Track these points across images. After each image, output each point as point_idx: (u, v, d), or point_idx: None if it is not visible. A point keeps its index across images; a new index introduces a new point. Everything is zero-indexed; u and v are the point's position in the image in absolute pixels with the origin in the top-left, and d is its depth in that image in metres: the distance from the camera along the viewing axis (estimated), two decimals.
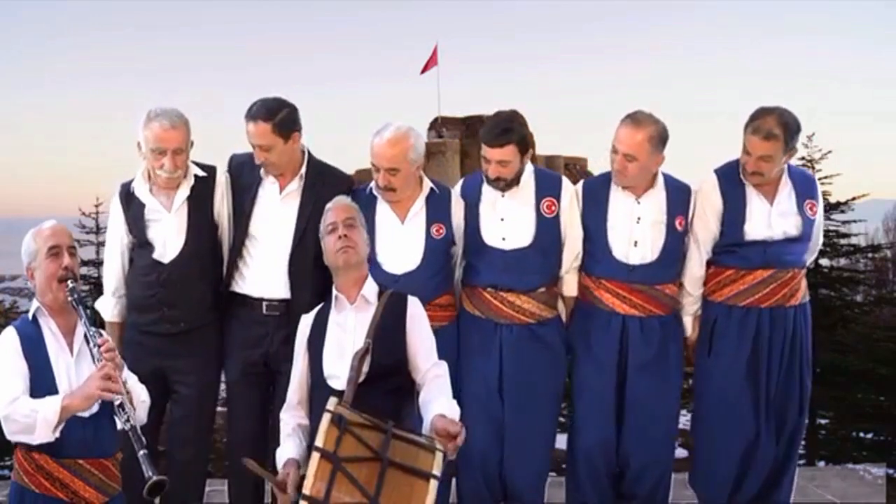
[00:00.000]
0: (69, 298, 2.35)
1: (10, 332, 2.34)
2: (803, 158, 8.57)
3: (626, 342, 3.17)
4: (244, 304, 3.11)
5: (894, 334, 8.30)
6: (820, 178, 8.54)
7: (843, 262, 9.60)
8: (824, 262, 8.69)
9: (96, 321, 2.95)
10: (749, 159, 3.11)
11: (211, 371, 3.14)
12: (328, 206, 2.63)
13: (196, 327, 3.08)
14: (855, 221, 8.68)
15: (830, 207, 8.58)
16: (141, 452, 2.14)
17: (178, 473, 3.03)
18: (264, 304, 3.06)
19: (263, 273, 3.07)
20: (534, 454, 3.19)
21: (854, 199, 8.59)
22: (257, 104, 3.00)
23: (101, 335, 2.35)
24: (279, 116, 2.98)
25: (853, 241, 9.05)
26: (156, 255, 3.04)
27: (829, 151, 8.51)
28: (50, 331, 2.36)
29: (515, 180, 3.12)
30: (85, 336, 2.34)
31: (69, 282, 2.35)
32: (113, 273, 3.15)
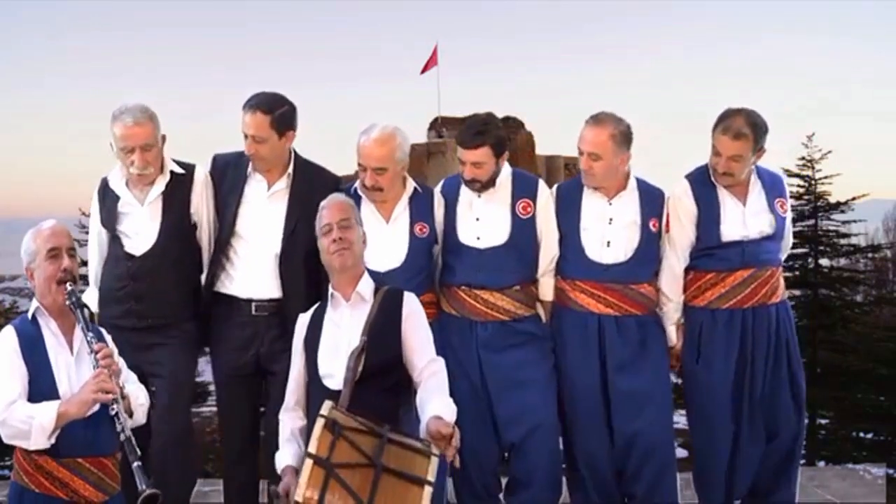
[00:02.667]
0: (67, 302, 2.32)
1: (9, 331, 2.32)
2: (803, 158, 8.57)
3: (603, 342, 3.18)
4: (231, 304, 3.07)
5: (894, 334, 8.30)
6: (820, 178, 8.55)
7: (843, 262, 9.61)
8: (824, 262, 8.69)
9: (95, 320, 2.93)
10: (719, 160, 3.15)
11: (183, 358, 3.05)
12: (323, 204, 2.60)
13: (165, 324, 3.03)
14: (855, 221, 8.69)
15: (830, 207, 8.58)
16: (135, 464, 2.11)
17: (160, 470, 2.88)
18: (253, 304, 3.03)
19: (252, 273, 3.04)
20: (538, 432, 3.11)
21: (854, 199, 8.59)
22: (258, 95, 3.00)
23: (99, 339, 2.33)
24: (279, 111, 2.97)
25: (853, 241, 9.05)
26: (127, 248, 3.01)
27: (829, 151, 8.52)
28: (49, 330, 2.34)
29: (491, 182, 3.15)
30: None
31: (68, 284, 2.33)
32: (93, 265, 3.16)
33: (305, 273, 2.95)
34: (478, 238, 3.15)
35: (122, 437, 2.17)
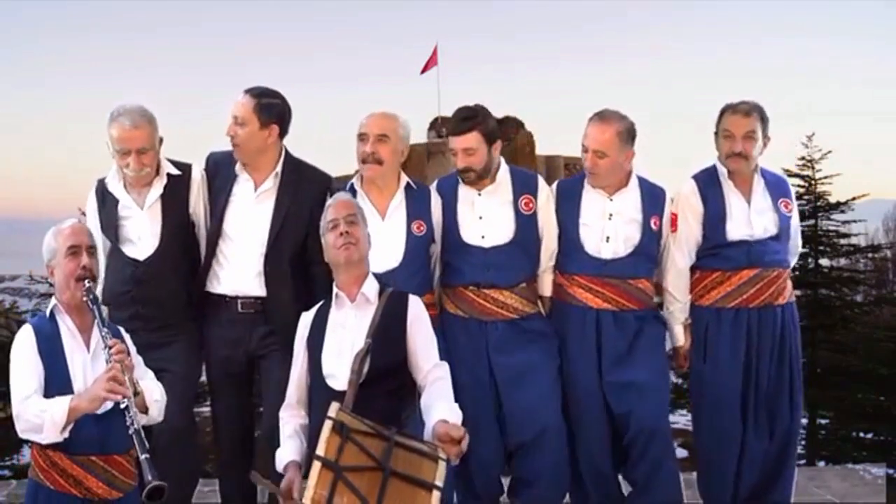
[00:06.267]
0: (84, 298, 2.36)
1: (27, 329, 2.36)
2: (803, 158, 8.59)
3: (601, 337, 3.18)
4: (219, 303, 3.07)
5: (894, 334, 8.32)
6: (820, 178, 8.56)
7: (843, 262, 9.61)
8: (824, 262, 8.70)
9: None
10: (734, 142, 3.18)
11: (187, 357, 3.06)
12: (329, 202, 2.61)
13: (169, 324, 3.04)
14: (855, 221, 8.70)
15: (830, 207, 8.59)
16: (143, 456, 2.13)
17: (165, 450, 2.86)
18: (239, 302, 3.03)
19: (237, 272, 3.04)
20: (546, 433, 3.09)
21: (854, 199, 8.61)
22: (258, 86, 3.02)
23: (113, 336, 2.35)
24: (266, 100, 2.98)
25: (853, 241, 9.07)
26: (130, 253, 3.02)
27: (829, 151, 8.54)
28: (67, 328, 2.38)
29: (485, 172, 3.12)
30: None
31: (86, 281, 2.36)
32: None
33: (291, 272, 2.95)
34: (482, 237, 3.13)
35: (130, 430, 2.18)
